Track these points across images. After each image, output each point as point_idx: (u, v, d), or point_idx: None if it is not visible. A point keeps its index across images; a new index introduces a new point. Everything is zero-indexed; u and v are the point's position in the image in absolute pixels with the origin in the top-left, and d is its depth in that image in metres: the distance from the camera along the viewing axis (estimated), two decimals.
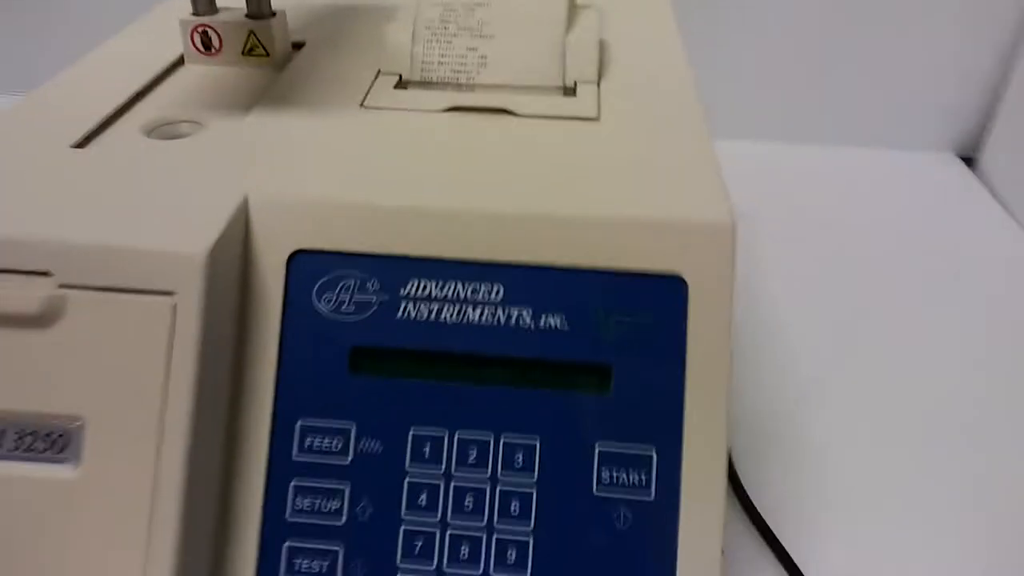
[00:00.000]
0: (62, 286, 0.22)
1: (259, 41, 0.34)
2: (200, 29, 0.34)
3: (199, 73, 0.34)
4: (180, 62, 0.34)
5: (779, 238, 0.54)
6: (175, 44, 0.34)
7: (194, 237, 0.23)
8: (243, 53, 0.34)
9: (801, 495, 0.36)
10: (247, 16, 0.34)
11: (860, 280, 0.51)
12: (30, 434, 0.22)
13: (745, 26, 0.62)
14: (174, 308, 0.22)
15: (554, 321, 0.25)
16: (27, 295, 0.22)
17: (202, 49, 0.34)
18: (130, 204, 0.24)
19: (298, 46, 0.36)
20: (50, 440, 0.22)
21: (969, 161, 0.68)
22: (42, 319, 0.22)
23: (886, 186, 0.63)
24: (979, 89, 0.66)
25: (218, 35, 0.34)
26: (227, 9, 0.34)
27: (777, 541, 0.34)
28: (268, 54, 0.34)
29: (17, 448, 0.22)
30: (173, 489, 0.22)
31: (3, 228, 0.23)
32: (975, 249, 0.55)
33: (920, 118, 0.67)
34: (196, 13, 0.34)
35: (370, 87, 0.32)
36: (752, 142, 0.64)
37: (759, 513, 0.34)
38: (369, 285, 0.25)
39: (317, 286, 0.25)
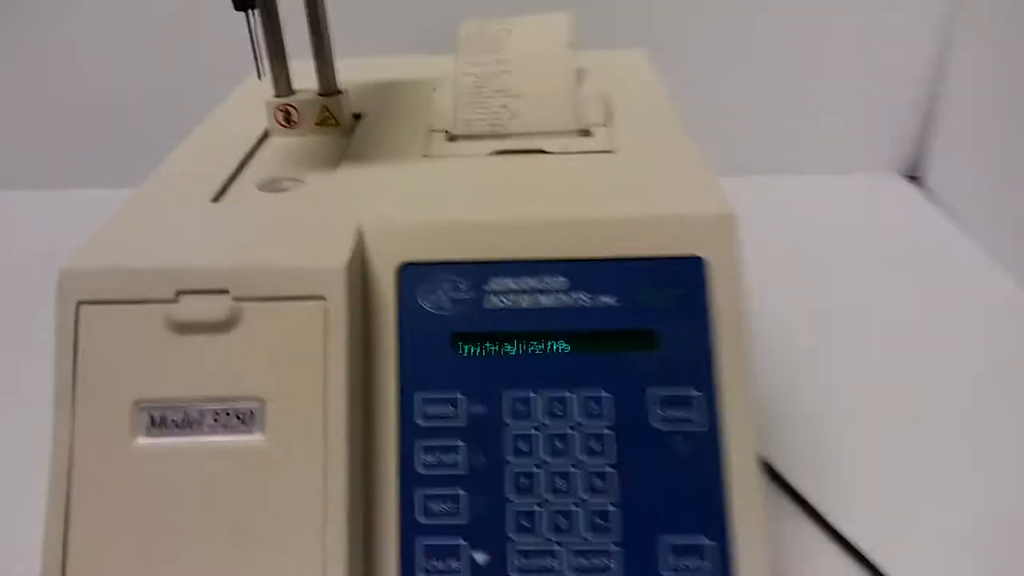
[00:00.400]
0: (236, 299, 0.29)
1: (331, 114, 0.42)
2: (282, 108, 0.41)
3: (284, 142, 0.41)
4: (266, 135, 0.42)
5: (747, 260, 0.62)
6: (259, 119, 0.42)
7: (334, 256, 0.30)
8: (317, 124, 0.42)
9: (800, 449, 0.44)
10: (319, 94, 0.42)
11: (825, 288, 0.59)
12: (225, 413, 0.29)
13: (696, 66, 0.71)
14: (326, 309, 0.29)
15: (607, 300, 0.32)
16: (212, 308, 0.29)
17: (284, 123, 0.42)
18: (272, 238, 0.32)
19: (357, 116, 0.44)
20: (240, 416, 0.29)
21: (914, 179, 0.77)
22: (225, 325, 0.29)
23: (839, 207, 0.71)
24: (918, 114, 0.75)
25: (297, 111, 0.42)
26: (302, 90, 0.42)
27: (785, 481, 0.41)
28: (338, 123, 0.42)
29: (215, 424, 0.29)
30: (338, 447, 0.29)
31: (188, 261, 0.30)
32: (922, 256, 0.64)
33: (866, 143, 0.76)
34: (278, 95, 0.42)
35: (427, 142, 0.40)
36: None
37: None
38: (460, 285, 0.32)
39: (420, 289, 0.32)
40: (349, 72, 0.43)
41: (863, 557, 0.38)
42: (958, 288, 0.60)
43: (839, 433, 0.46)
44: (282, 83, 0.41)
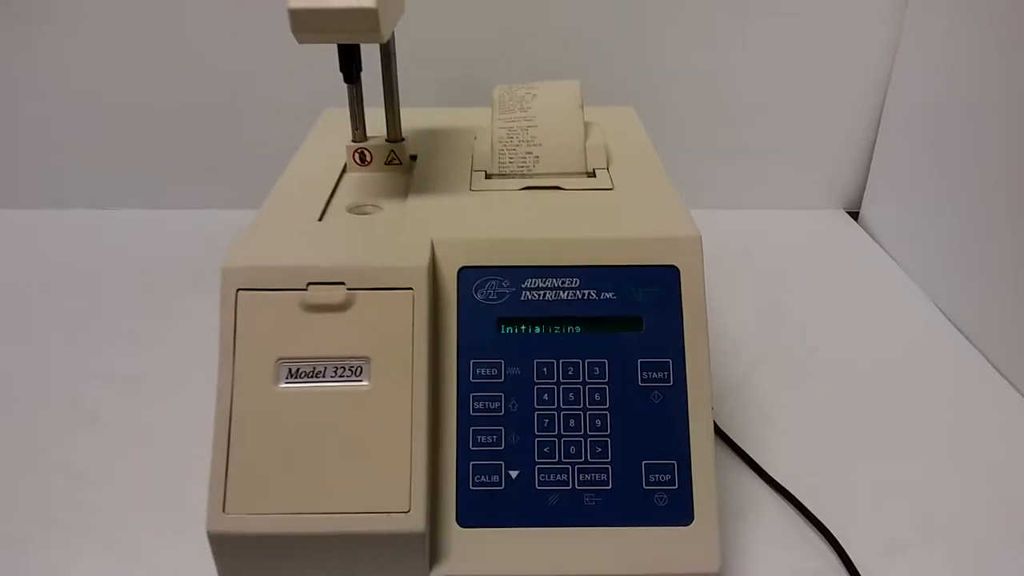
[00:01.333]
0: (350, 289, 0.42)
1: (396, 156, 0.54)
2: (359, 150, 0.54)
3: (360, 176, 0.54)
4: (344, 170, 0.55)
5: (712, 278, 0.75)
6: (336, 158, 0.55)
7: (417, 259, 0.43)
8: (385, 163, 0.55)
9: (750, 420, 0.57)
10: (387, 140, 0.55)
11: (774, 302, 0.73)
12: (341, 368, 0.41)
13: (672, 120, 0.85)
14: (413, 297, 0.42)
15: (608, 295, 0.45)
16: (333, 295, 0.42)
17: (359, 162, 0.55)
18: (371, 246, 0.44)
19: (413, 157, 0.57)
20: (352, 370, 0.41)
21: (856, 215, 0.91)
22: (342, 307, 0.42)
23: (788, 237, 0.85)
24: (858, 152, 0.88)
25: (370, 153, 0.54)
26: (373, 136, 0.55)
27: (733, 442, 0.54)
28: (401, 163, 0.55)
29: (335, 375, 0.41)
30: (420, 395, 0.41)
31: (315, 262, 0.42)
32: (854, 278, 0.77)
33: (814, 184, 0.90)
34: (355, 140, 0.54)
35: (471, 179, 0.53)
36: None
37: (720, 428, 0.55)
38: (503, 284, 0.45)
39: (474, 286, 0.45)
40: (404, 120, 0.55)
41: (791, 497, 0.51)
42: (881, 305, 0.73)
43: (777, 406, 0.59)
44: (359, 131, 0.54)
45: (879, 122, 0.86)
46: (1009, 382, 0.62)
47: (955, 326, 0.70)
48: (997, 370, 0.64)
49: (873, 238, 0.85)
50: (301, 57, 0.77)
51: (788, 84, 0.84)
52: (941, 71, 0.74)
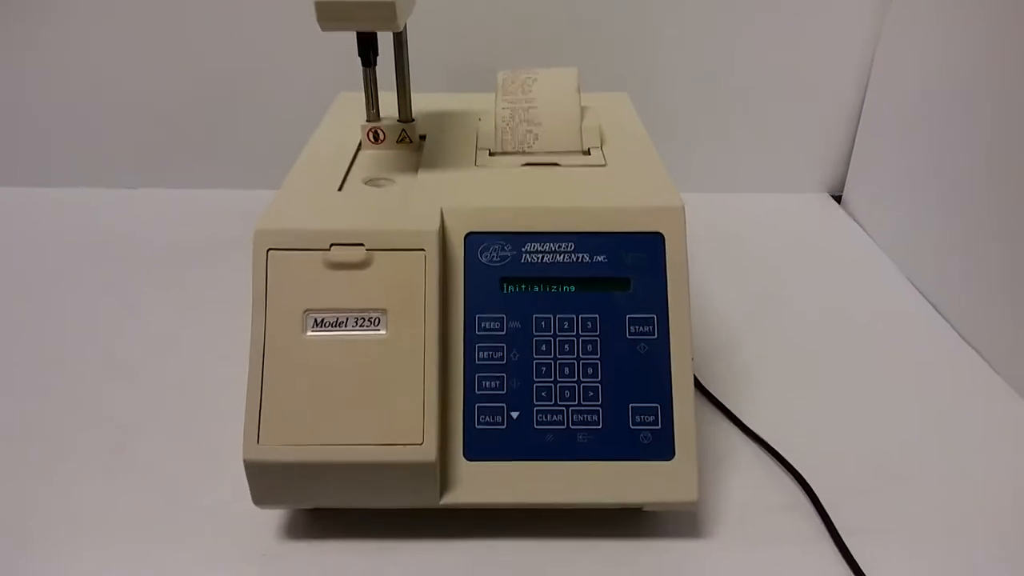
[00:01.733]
0: (369, 249, 0.47)
1: (407, 135, 0.60)
2: (372, 129, 0.59)
3: (374, 154, 0.59)
4: (359, 148, 0.60)
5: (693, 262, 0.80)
6: (351, 136, 0.60)
7: (429, 224, 0.48)
8: (396, 142, 0.60)
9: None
10: (398, 120, 0.60)
11: (758, 278, 0.78)
12: (361, 318, 0.46)
13: (662, 105, 0.90)
14: (425, 257, 0.47)
15: (600, 258, 0.50)
16: (353, 254, 0.47)
17: (373, 140, 0.60)
18: (387, 213, 0.49)
19: (423, 136, 0.62)
20: (370, 320, 0.46)
21: (839, 199, 0.96)
22: (361, 265, 0.47)
23: (771, 223, 0.90)
24: (842, 138, 0.94)
25: (383, 132, 0.59)
26: (386, 117, 0.60)
27: (715, 398, 0.59)
28: (411, 142, 0.60)
29: (355, 325, 0.46)
30: (432, 343, 0.46)
31: (337, 225, 0.48)
32: (837, 264, 0.82)
33: (799, 167, 0.95)
34: (369, 120, 0.59)
35: (476, 156, 0.58)
36: None
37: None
38: (506, 247, 0.50)
39: (480, 249, 0.50)
40: (414, 104, 0.61)
41: (765, 443, 0.56)
42: (859, 282, 0.78)
43: (757, 369, 0.64)
44: (373, 112, 0.59)
45: (861, 108, 0.91)
46: (976, 351, 0.67)
47: (928, 301, 0.75)
48: (967, 342, 0.69)
49: (854, 220, 0.90)
50: (312, 47, 0.82)
51: (774, 72, 0.89)
52: (922, 58, 0.79)
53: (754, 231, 0.87)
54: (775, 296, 0.75)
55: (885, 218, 0.85)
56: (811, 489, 0.52)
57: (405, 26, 0.55)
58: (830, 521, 0.50)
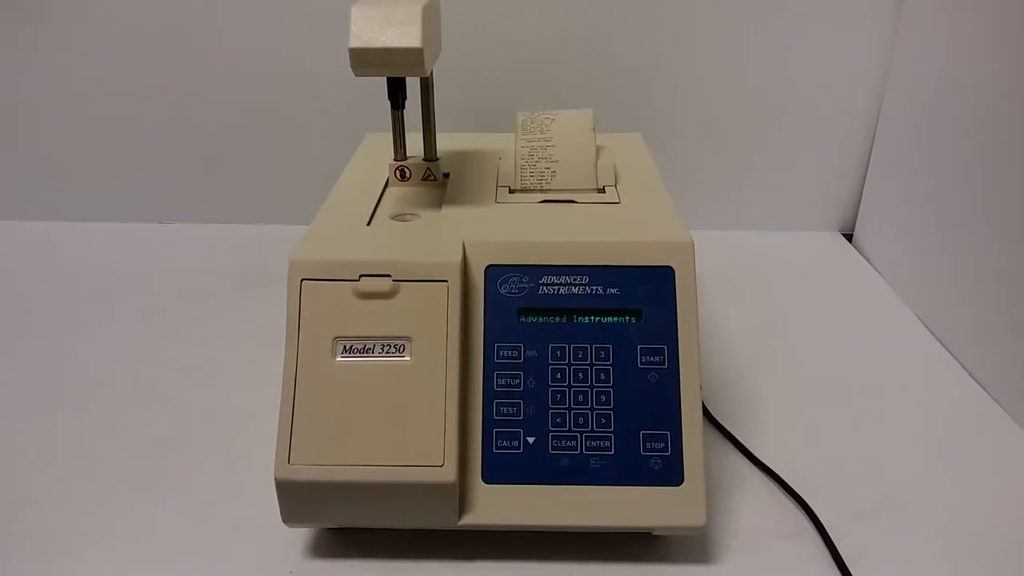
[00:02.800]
0: (395, 280, 0.50)
1: (432, 173, 0.63)
2: (399, 168, 0.63)
3: (401, 191, 0.62)
4: (386, 185, 0.63)
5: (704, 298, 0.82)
6: (379, 174, 0.63)
7: (452, 257, 0.51)
8: (422, 179, 0.63)
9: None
10: (424, 159, 0.63)
11: (768, 313, 0.80)
12: (388, 345, 0.49)
13: (674, 145, 0.93)
14: (447, 288, 0.50)
15: (613, 290, 0.52)
16: (381, 285, 0.50)
17: (399, 178, 0.63)
18: (412, 246, 0.52)
19: (446, 174, 0.65)
20: (396, 347, 0.49)
21: (850, 237, 0.98)
22: (388, 294, 0.50)
23: (782, 260, 0.92)
24: (852, 176, 0.95)
25: (409, 171, 0.63)
26: (412, 156, 0.63)
27: (724, 428, 0.61)
28: (436, 179, 0.63)
29: (382, 351, 0.49)
30: (453, 370, 0.49)
31: (366, 257, 0.51)
32: (848, 302, 0.84)
33: (809, 206, 0.98)
34: (397, 159, 0.63)
35: (496, 193, 0.61)
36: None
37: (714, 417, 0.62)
38: (524, 279, 0.53)
39: (499, 281, 0.53)
40: (438, 144, 0.64)
41: (772, 472, 0.58)
42: (870, 321, 0.80)
43: (764, 403, 0.66)
44: (401, 151, 0.63)
45: (872, 148, 0.93)
46: (983, 387, 0.69)
47: (936, 338, 0.76)
48: (974, 378, 0.70)
49: (865, 258, 0.92)
50: (340, 90, 0.87)
51: (786, 112, 0.92)
52: (932, 99, 0.81)
53: (765, 267, 0.89)
54: (784, 330, 0.77)
55: (895, 256, 0.87)
56: (816, 516, 0.54)
57: (432, 71, 0.59)
58: (835, 548, 0.51)
